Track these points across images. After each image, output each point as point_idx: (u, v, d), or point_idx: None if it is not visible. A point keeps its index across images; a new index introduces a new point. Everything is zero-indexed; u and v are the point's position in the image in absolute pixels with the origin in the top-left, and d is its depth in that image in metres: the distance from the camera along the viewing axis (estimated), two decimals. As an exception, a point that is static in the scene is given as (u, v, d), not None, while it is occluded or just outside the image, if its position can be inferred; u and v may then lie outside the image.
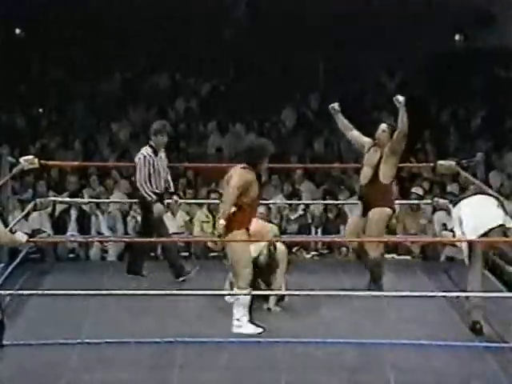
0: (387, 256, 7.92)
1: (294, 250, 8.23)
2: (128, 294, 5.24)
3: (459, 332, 5.08)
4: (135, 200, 7.99)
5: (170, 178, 6.47)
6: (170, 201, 6.59)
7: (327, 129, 11.43)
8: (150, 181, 6.21)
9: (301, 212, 8.60)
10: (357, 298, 5.49)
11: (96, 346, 4.80)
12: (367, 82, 12.54)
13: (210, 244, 7.89)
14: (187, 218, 8.42)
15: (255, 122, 11.52)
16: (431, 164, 7.37)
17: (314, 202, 8.69)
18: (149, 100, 11.95)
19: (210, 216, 8.12)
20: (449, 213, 7.85)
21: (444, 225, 8.06)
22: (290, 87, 12.19)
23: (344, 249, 8.18)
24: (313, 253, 8.19)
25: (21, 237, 4.51)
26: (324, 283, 6.06)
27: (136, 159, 6.34)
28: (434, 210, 8.03)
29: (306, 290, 5.63)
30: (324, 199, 8.69)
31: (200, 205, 8.32)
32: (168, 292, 5.26)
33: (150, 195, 6.21)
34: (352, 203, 8.63)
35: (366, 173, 5.95)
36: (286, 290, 5.72)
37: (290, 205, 8.56)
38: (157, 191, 6.27)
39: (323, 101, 12.44)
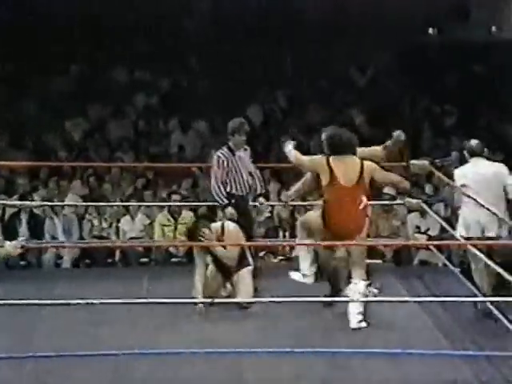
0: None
1: (261, 255, 8.25)
2: (84, 304, 5.18)
3: (433, 339, 5.14)
4: (90, 204, 7.89)
5: (257, 178, 6.30)
6: (256, 203, 6.38)
7: (295, 126, 11.47)
8: (223, 183, 6.05)
9: (268, 214, 8.61)
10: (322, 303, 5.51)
11: (49, 360, 4.74)
12: (337, 78, 12.61)
13: (172, 249, 7.88)
14: (147, 221, 8.37)
15: (219, 119, 11.50)
16: (403, 163, 7.43)
17: (282, 203, 8.69)
18: (106, 96, 11.86)
19: (172, 219, 8.09)
20: (422, 214, 8.00)
21: (418, 227, 8.16)
22: (256, 83, 12.21)
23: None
24: (280, 257, 8.21)
25: (12, 248, 4.19)
26: (292, 289, 6.07)
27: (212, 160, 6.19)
28: (409, 212, 8.11)
29: (272, 297, 5.64)
30: (292, 200, 8.69)
31: (161, 207, 8.28)
32: (127, 301, 5.21)
33: (220, 199, 6.04)
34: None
35: None
36: (254, 296, 5.75)
37: (256, 207, 8.55)
38: (233, 192, 6.12)
39: (291, 97, 12.49)
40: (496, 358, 4.77)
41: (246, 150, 6.23)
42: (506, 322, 5.10)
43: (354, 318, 5.30)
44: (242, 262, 5.84)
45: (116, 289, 6.21)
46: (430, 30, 13.65)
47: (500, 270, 5.06)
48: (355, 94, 12.42)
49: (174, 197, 8.22)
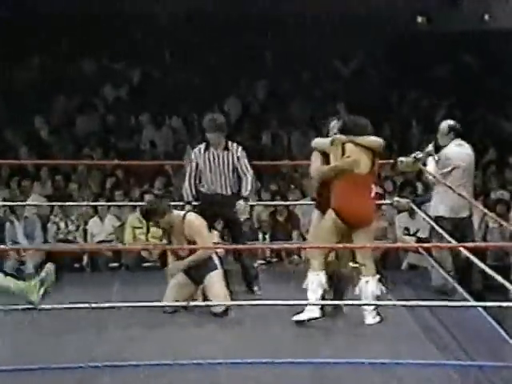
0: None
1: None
2: (47, 309, 5.11)
3: (422, 348, 5.14)
4: (56, 203, 7.82)
5: (245, 180, 6.22)
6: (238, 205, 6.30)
7: (275, 121, 11.47)
8: (194, 179, 6.18)
9: (246, 215, 8.59)
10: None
11: (8, 374, 4.68)
12: (320, 70, 12.62)
13: (144, 253, 7.83)
14: (117, 223, 8.32)
15: (194, 113, 11.46)
16: (390, 161, 7.43)
17: (261, 203, 8.70)
18: (72, 88, 11.78)
19: (144, 221, 8.04)
20: (411, 214, 8.01)
21: (406, 229, 8.17)
22: (234, 74, 12.19)
23: (295, 257, 8.20)
24: (260, 261, 8.19)
25: None
26: (272, 295, 6.05)
27: None
28: (398, 212, 8.12)
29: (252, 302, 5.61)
30: (272, 200, 8.70)
31: (132, 208, 8.23)
32: (94, 305, 5.14)
33: (186, 195, 6.20)
34: (304, 203, 8.70)
35: None
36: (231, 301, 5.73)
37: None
38: (202, 190, 6.20)
39: (271, 90, 12.49)
40: (487, 366, 4.78)
41: (229, 150, 6.19)
42: (499, 328, 5.12)
43: (369, 314, 5.44)
44: (207, 264, 5.80)
45: (83, 296, 6.14)
46: (419, 19, 13.71)
47: (492, 273, 5.09)
48: (339, 86, 12.44)
49: (147, 197, 8.16)
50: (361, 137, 5.51)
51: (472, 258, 5.49)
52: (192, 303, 5.61)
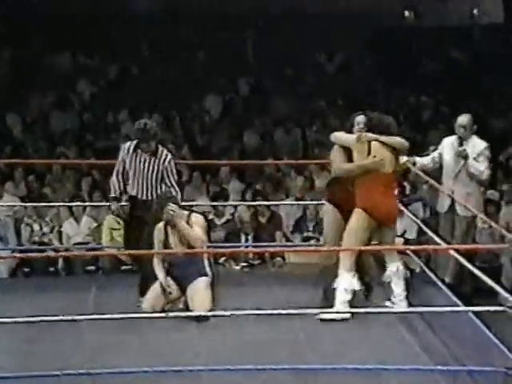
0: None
1: (220, 261, 8.24)
2: (21, 322, 5.09)
3: (410, 353, 5.16)
4: (29, 204, 7.78)
5: (167, 183, 6.08)
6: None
7: (258, 119, 11.48)
8: (123, 176, 6.08)
9: (228, 216, 8.60)
10: (294, 316, 5.51)
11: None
12: (304, 65, 12.65)
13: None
14: (94, 224, 8.30)
15: (175, 110, 11.46)
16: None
17: (244, 203, 8.71)
18: (46, 84, 11.73)
19: (122, 222, 8.01)
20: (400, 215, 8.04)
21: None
22: (215, 70, 12.19)
23: (279, 259, 8.22)
24: (242, 264, 8.20)
25: None
26: (256, 299, 6.05)
27: None
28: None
29: (233, 308, 5.62)
30: (255, 201, 8.71)
31: (109, 209, 8.19)
32: (69, 318, 5.12)
33: (114, 190, 6.12)
34: (287, 204, 8.72)
35: None
36: (213, 307, 5.73)
37: (216, 208, 8.54)
38: (128, 191, 6.12)
39: (254, 86, 12.50)
40: (476, 371, 4.81)
41: (159, 157, 6.04)
42: (488, 332, 5.15)
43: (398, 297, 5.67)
44: (197, 268, 5.82)
45: (59, 301, 6.12)
46: (407, 13, 13.78)
47: (482, 276, 5.12)
48: (324, 82, 12.47)
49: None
50: (387, 136, 5.66)
51: (462, 259, 5.53)
52: (171, 314, 5.58)
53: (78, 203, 8.29)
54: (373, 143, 5.66)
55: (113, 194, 6.15)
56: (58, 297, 6.25)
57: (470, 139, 6.59)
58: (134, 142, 6.09)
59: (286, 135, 11.10)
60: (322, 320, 5.51)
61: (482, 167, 6.51)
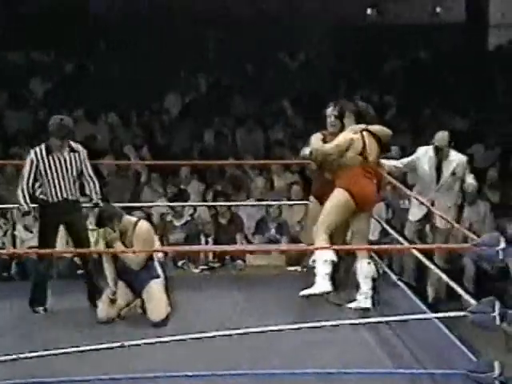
0: (290, 268, 8.06)
1: (180, 264, 8.22)
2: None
3: (372, 356, 5.20)
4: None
5: (92, 185, 6.09)
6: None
7: (219, 117, 11.47)
8: (31, 186, 5.97)
9: (188, 218, 8.58)
10: (254, 320, 5.52)
11: None
12: (265, 63, 12.67)
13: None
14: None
15: (133, 110, 11.40)
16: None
17: (204, 204, 8.70)
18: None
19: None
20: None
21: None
22: (174, 67, 12.15)
23: (239, 262, 8.23)
24: (202, 267, 8.19)
25: None
26: (215, 304, 6.05)
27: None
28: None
29: (191, 313, 5.60)
30: (215, 202, 8.70)
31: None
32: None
33: (24, 203, 5.97)
34: (249, 205, 8.73)
35: None
36: (169, 310, 5.73)
37: (175, 209, 8.52)
38: (42, 198, 6.02)
39: (215, 84, 12.49)
40: (438, 374, 4.87)
41: (75, 151, 6.04)
42: (450, 335, 5.21)
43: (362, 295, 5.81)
44: (149, 272, 5.80)
45: (11, 307, 6.06)
46: (369, 11, 13.87)
47: (444, 277, 5.19)
48: (285, 81, 12.50)
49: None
50: (372, 125, 5.88)
51: (424, 260, 5.60)
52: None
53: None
54: (364, 134, 5.84)
55: (26, 208, 5.98)
56: (11, 303, 6.18)
57: (448, 154, 6.87)
58: (42, 146, 6.00)
59: (247, 134, 11.10)
60: (303, 296, 5.66)
61: (474, 181, 6.89)
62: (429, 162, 6.85)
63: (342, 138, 5.84)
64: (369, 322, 5.64)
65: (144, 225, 5.87)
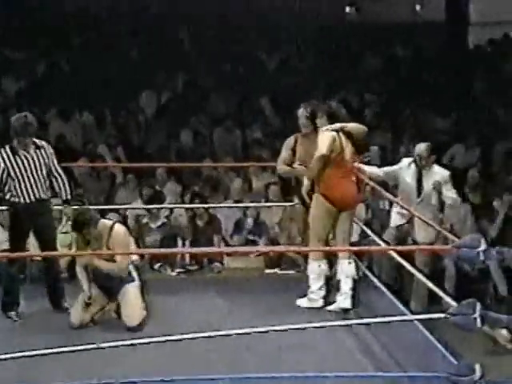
0: (269, 271, 8.04)
1: (156, 267, 8.17)
2: None
3: (351, 359, 5.20)
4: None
5: (61, 181, 6.02)
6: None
7: (196, 117, 11.43)
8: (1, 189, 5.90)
9: (164, 220, 8.54)
10: (232, 323, 5.50)
11: None
12: (243, 62, 12.65)
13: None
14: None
15: (107, 109, 11.32)
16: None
17: (180, 206, 8.66)
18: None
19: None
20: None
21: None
22: (150, 66, 12.09)
23: (217, 264, 8.19)
24: (179, 269, 8.15)
25: None
26: (192, 307, 6.03)
27: None
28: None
29: (168, 317, 5.56)
30: (192, 203, 8.66)
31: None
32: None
33: None
34: (227, 206, 8.70)
35: None
36: (145, 314, 5.70)
37: (150, 211, 8.47)
38: (12, 200, 5.95)
39: (191, 83, 12.44)
40: (418, 377, 4.87)
41: (40, 147, 5.97)
42: (431, 337, 5.21)
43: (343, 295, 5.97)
44: (123, 276, 5.76)
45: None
46: (348, 9, 13.90)
47: (423, 279, 5.20)
48: (263, 80, 12.48)
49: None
50: (345, 124, 5.95)
51: (403, 262, 5.61)
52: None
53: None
54: (340, 134, 5.91)
55: None
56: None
57: (430, 168, 6.87)
58: (6, 147, 5.93)
59: (225, 134, 11.06)
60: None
61: (454, 195, 6.91)
62: (411, 174, 6.86)
63: (323, 145, 5.90)
64: (348, 325, 5.64)
65: (120, 229, 5.82)
